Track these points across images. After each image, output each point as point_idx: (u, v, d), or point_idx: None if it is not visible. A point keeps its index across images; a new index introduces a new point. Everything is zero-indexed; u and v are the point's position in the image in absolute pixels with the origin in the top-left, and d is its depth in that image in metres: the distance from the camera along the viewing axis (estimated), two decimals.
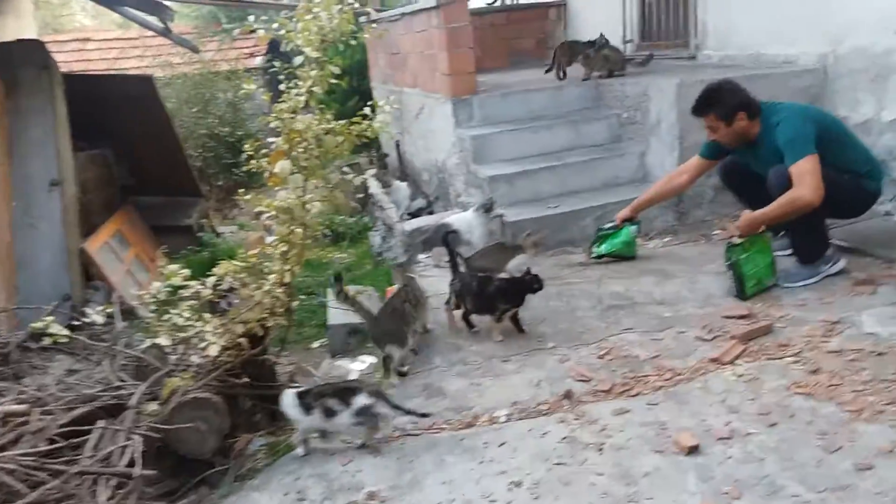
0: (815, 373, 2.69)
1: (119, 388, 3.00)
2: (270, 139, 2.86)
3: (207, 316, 3.00)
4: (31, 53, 5.80)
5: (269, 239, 3.11)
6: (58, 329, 3.18)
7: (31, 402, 2.83)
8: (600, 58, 5.65)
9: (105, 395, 2.93)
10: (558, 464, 2.40)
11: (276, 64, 2.81)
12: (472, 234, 4.36)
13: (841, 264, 3.54)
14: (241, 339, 2.89)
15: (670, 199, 4.59)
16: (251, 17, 3.38)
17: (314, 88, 2.72)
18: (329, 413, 2.61)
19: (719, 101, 3.56)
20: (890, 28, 4.22)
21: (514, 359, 3.21)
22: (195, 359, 3.06)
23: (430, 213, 5.89)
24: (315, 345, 4.55)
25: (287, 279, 2.93)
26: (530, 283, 3.36)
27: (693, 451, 2.33)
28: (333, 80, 2.91)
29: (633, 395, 2.76)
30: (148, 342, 3.16)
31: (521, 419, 2.73)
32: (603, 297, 3.70)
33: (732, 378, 2.77)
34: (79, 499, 2.32)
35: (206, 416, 2.73)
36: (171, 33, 7.46)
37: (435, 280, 4.05)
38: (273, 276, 2.95)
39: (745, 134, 3.56)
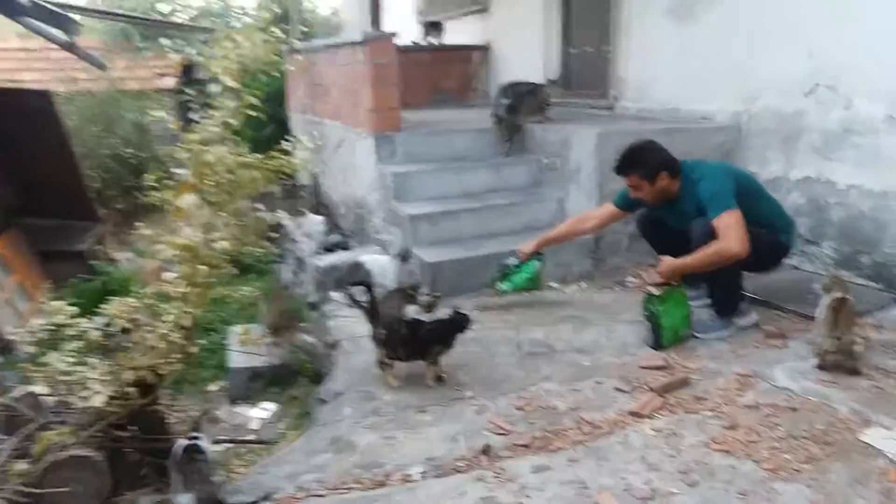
0: (733, 428, 2.67)
1: None
2: (176, 169, 2.63)
3: (93, 361, 2.70)
4: None
5: (168, 274, 2.85)
6: None
7: None
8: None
9: None
10: None
11: (189, 91, 2.61)
12: (385, 277, 4.22)
13: (753, 317, 3.61)
14: (130, 389, 2.61)
15: (586, 244, 4.62)
16: (166, 39, 3.17)
17: (229, 120, 2.52)
18: None
19: (642, 161, 3.60)
20: (800, 91, 4.43)
21: (431, 409, 3.05)
22: (76, 409, 2.73)
23: (346, 248, 5.69)
24: (213, 387, 4.25)
25: (186, 323, 2.67)
26: (461, 323, 3.23)
27: None
28: (251, 113, 2.72)
29: (553, 451, 2.66)
30: (21, 389, 2.80)
31: (436, 477, 2.56)
32: (522, 344, 3.61)
33: (651, 433, 2.71)
34: None
35: (85, 477, 2.43)
36: (77, 47, 7.02)
37: (350, 321, 3.85)
38: (170, 318, 2.69)
39: (666, 192, 3.60)
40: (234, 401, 3.86)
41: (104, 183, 8.94)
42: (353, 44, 5.48)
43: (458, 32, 9.06)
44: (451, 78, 8.63)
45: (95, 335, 2.77)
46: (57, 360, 2.72)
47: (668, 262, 3.50)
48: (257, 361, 3.94)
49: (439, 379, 3.26)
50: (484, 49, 8.55)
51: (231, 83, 2.49)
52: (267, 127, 9.01)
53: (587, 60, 6.64)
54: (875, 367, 3.07)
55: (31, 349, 2.88)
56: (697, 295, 3.80)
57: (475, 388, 3.19)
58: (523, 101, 5.52)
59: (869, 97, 4.06)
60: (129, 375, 2.68)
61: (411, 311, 3.50)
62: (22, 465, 2.44)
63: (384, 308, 3.39)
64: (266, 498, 2.37)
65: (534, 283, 4.20)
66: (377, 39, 5.21)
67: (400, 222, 4.83)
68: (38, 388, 2.68)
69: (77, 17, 6.33)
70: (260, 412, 3.67)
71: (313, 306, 4.44)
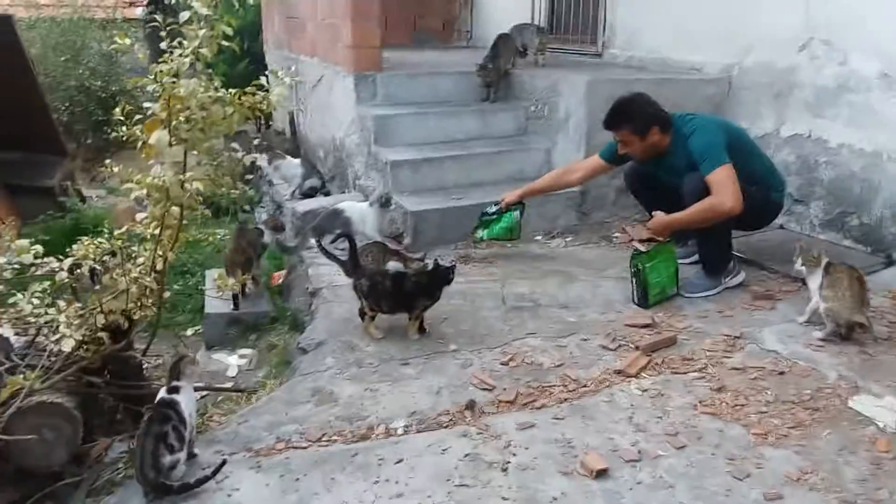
0: (720, 391, 2.66)
1: None
2: (147, 103, 2.45)
3: (61, 304, 2.56)
4: None
5: (140, 215, 2.70)
6: None
7: None
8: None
9: None
10: (460, 485, 2.20)
11: (158, 18, 2.40)
12: (364, 224, 4.10)
13: (741, 277, 3.57)
14: (102, 334, 2.49)
15: (572, 198, 4.55)
16: None
17: (202, 50, 2.33)
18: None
19: (633, 115, 3.48)
20: (794, 45, 4.32)
21: (414, 362, 2.99)
22: (46, 352, 2.60)
23: (326, 194, 5.53)
24: (189, 332, 4.14)
25: (159, 266, 2.54)
26: (446, 275, 3.14)
27: (601, 474, 2.20)
28: (224, 42, 2.53)
29: (538, 408, 2.62)
30: None
31: (420, 432, 2.51)
32: (507, 298, 3.55)
33: (638, 393, 2.68)
34: None
35: (55, 423, 2.32)
36: None
37: (330, 269, 3.74)
38: (142, 260, 2.56)
39: (657, 147, 3.50)
40: (211, 347, 3.75)
41: (72, 116, 8.57)
42: None
43: None
44: (433, 16, 8.34)
45: (63, 276, 2.61)
46: (24, 302, 2.58)
47: (659, 217, 3.43)
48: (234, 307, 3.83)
49: (422, 331, 3.19)
50: None
51: (203, 9, 2.30)
52: (241, 62, 8.67)
53: (576, 5, 6.43)
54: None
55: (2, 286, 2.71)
56: (685, 252, 3.76)
57: (458, 342, 3.13)
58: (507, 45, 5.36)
59: (864, 53, 3.98)
60: (100, 319, 2.56)
61: (392, 267, 3.41)
62: None
63: (366, 260, 3.29)
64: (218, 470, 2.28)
65: (512, 233, 4.12)
66: None
67: (380, 168, 4.68)
68: (4, 330, 2.54)
69: None
70: (238, 359, 3.57)
71: (290, 250, 4.30)
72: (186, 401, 2.30)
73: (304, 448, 2.46)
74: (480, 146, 4.91)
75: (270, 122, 8.12)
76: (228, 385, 3.34)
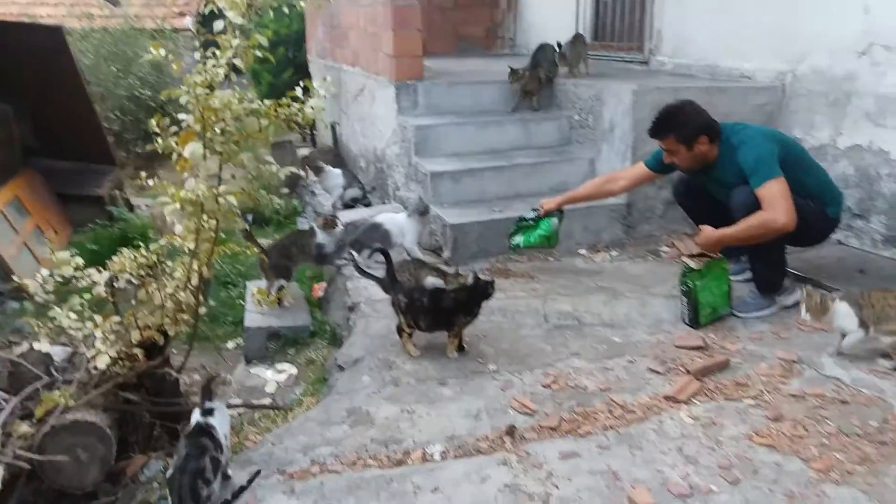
0: (777, 420, 2.50)
1: None
2: (182, 115, 2.42)
3: (98, 318, 2.54)
4: None
5: (177, 228, 2.68)
6: None
7: None
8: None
9: None
10: None
11: (191, 28, 2.37)
12: (403, 237, 4.03)
13: (797, 295, 3.36)
14: (136, 350, 2.46)
15: (617, 210, 4.41)
16: None
17: (235, 60, 2.29)
18: None
19: (680, 123, 3.33)
20: (852, 51, 4.11)
21: (452, 382, 2.90)
22: (84, 368, 2.59)
23: (367, 205, 5.50)
24: (230, 345, 4.13)
25: (194, 280, 2.51)
26: (485, 290, 3.03)
27: None
28: (258, 53, 2.49)
29: (582, 435, 2.50)
30: (25, 345, 2.66)
31: (457, 457, 2.42)
32: (549, 315, 3.43)
33: (689, 421, 2.54)
34: None
35: (88, 443, 2.30)
36: None
37: (365, 282, 3.67)
38: (178, 275, 2.53)
39: (704, 157, 3.35)
40: (250, 361, 3.73)
41: (122, 125, 8.72)
42: None
43: None
44: (475, 24, 8.25)
45: (100, 290, 2.60)
46: (62, 316, 2.58)
47: (707, 232, 3.28)
48: (276, 321, 3.80)
49: (461, 349, 3.10)
50: None
51: (237, 18, 2.26)
52: (286, 72, 8.74)
53: (622, 11, 6.27)
54: None
55: (47, 297, 2.70)
56: (738, 269, 3.59)
57: (498, 362, 3.03)
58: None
59: None
60: (135, 335, 2.54)
61: (430, 283, 3.33)
62: (24, 428, 2.32)
63: (403, 276, 3.21)
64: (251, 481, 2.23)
65: (549, 241, 3.97)
66: None
67: (420, 179, 4.61)
68: (41, 346, 2.54)
69: None
70: (277, 375, 3.54)
71: (328, 261, 4.25)
72: (221, 423, 2.25)
73: (339, 472, 2.39)
74: (523, 156, 4.81)
75: (315, 133, 8.14)
76: (266, 402, 3.30)
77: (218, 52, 2.32)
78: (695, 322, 3.24)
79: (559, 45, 5.35)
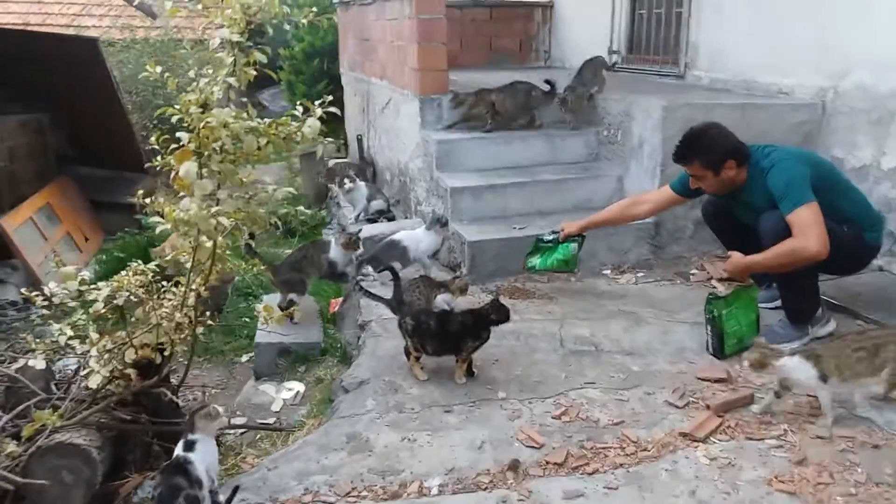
0: (801, 464, 2.32)
1: None
2: (179, 133, 2.36)
3: (94, 336, 2.50)
4: None
5: (166, 248, 2.62)
6: None
7: None
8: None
9: None
10: None
11: (186, 46, 2.32)
12: (419, 252, 3.93)
13: (831, 326, 3.18)
14: (130, 371, 2.40)
15: (645, 229, 4.23)
16: None
17: (229, 79, 2.23)
18: None
19: (705, 148, 3.15)
20: None
21: (458, 409, 2.78)
22: (77, 385, 2.55)
23: (390, 218, 5.42)
24: (243, 358, 4.09)
25: (190, 301, 2.44)
26: (496, 316, 2.92)
27: None
28: (255, 71, 2.42)
29: (590, 473, 2.36)
30: (22, 361, 2.63)
31: (455, 493, 2.30)
32: (565, 340, 3.29)
33: (705, 461, 2.37)
34: None
35: (74, 465, 2.24)
36: None
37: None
38: (175, 294, 2.47)
39: (733, 182, 3.17)
40: (260, 377, 3.67)
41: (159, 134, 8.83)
42: None
43: None
44: (509, 37, 8.13)
45: (99, 307, 2.55)
46: (58, 334, 2.54)
47: (735, 259, 3.10)
48: (286, 337, 3.73)
49: (470, 373, 2.98)
50: (547, 6, 8.01)
51: (233, 36, 2.19)
52: (320, 83, 8.78)
53: (658, 24, 6.10)
54: None
55: (72, 305, 2.65)
56: (768, 296, 3.40)
57: (508, 389, 2.90)
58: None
59: None
60: (130, 354, 2.48)
61: (441, 301, 3.22)
62: (11, 447, 2.28)
63: (410, 297, 3.11)
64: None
65: (567, 265, 3.85)
66: None
67: (441, 194, 4.52)
68: (36, 363, 2.49)
69: None
70: (285, 393, 3.46)
71: (341, 278, 4.16)
72: (203, 456, 2.15)
73: (332, 502, 2.29)
74: (547, 172, 4.66)
75: (341, 145, 8.14)
76: (270, 421, 3.23)
77: (210, 70, 2.26)
78: (719, 352, 3.06)
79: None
